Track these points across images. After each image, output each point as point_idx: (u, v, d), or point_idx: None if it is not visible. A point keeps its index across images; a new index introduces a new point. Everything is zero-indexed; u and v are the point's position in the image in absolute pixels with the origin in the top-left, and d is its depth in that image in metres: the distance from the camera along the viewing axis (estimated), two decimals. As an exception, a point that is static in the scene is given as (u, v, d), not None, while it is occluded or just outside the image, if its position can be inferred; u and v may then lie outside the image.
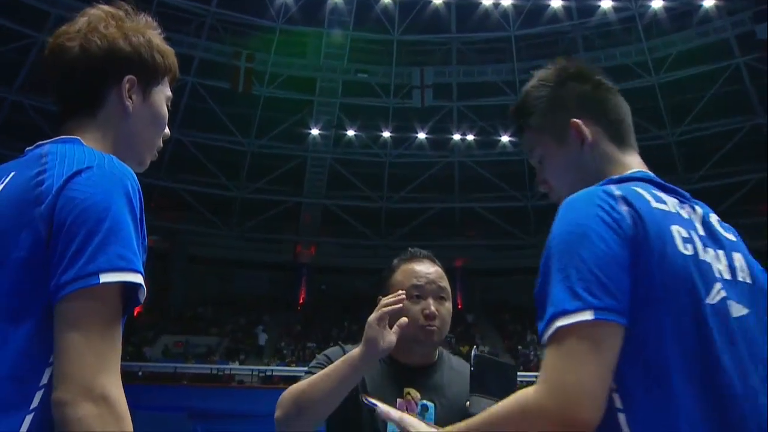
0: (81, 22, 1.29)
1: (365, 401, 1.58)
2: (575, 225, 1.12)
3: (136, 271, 1.09)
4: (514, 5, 24.92)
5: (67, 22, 1.34)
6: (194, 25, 24.73)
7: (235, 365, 23.69)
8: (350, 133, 28.31)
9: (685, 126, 25.61)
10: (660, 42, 24.71)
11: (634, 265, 1.08)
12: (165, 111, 1.36)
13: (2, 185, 1.17)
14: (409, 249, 2.04)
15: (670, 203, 1.19)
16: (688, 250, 1.13)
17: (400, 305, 1.75)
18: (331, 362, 1.82)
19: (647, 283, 1.08)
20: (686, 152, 26.12)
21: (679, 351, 1.08)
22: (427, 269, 1.96)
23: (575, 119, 1.32)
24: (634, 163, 1.31)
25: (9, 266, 1.08)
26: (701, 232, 1.20)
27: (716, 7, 23.02)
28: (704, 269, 1.14)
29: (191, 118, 25.14)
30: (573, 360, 1.03)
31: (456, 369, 1.97)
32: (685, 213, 1.21)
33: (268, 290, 29.97)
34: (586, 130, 1.31)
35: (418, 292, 1.90)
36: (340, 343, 2.03)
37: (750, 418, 1.08)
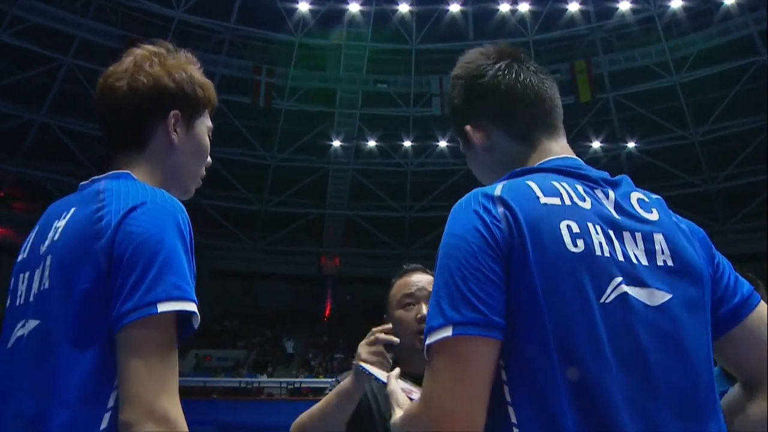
0: (127, 62, 1.37)
1: (361, 368, 1.68)
2: (451, 236, 1.13)
3: (191, 299, 1.17)
4: (531, 11, 24.85)
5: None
6: (214, 41, 25.07)
7: (264, 378, 23.80)
8: (371, 143, 28.40)
9: (708, 125, 25.24)
10: (680, 41, 24.42)
11: (509, 273, 1.07)
12: (207, 141, 1.45)
13: (65, 220, 1.25)
14: (403, 265, 2.15)
15: (567, 195, 1.14)
16: (578, 247, 1.08)
17: (395, 339, 1.82)
18: None
19: (528, 288, 1.06)
20: (711, 151, 25.72)
21: (566, 359, 1.04)
22: (417, 278, 2.06)
23: (467, 126, 1.30)
24: (547, 152, 1.26)
25: (74, 297, 1.16)
26: (616, 216, 1.15)
27: (737, 4, 22.70)
28: (599, 265, 1.09)
29: (213, 133, 25.31)
30: (438, 377, 1.05)
31: None
32: (587, 203, 1.15)
33: (294, 302, 30.08)
34: (477, 136, 1.29)
35: (410, 299, 2.00)
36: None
37: (628, 421, 1.03)
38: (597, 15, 24.88)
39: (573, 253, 1.08)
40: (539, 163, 1.24)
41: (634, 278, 1.11)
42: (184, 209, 1.25)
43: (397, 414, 1.28)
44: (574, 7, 24.43)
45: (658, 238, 1.17)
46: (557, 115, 1.32)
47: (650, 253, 1.15)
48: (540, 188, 1.14)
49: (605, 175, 1.23)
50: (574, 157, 1.27)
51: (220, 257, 28.66)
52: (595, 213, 1.14)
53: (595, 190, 1.19)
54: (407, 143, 28.36)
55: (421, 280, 2.05)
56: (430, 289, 1.92)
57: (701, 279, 1.18)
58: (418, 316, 1.96)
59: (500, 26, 25.20)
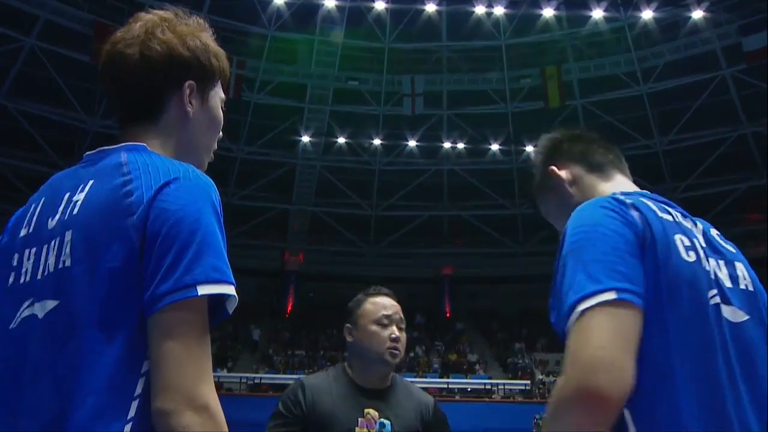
0: (136, 28, 1.27)
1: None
2: (588, 224, 1.19)
3: (230, 282, 1.10)
4: (506, 14, 25.07)
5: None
6: (184, 31, 24.69)
7: (224, 373, 23.56)
8: (340, 140, 28.33)
9: (672, 135, 25.82)
10: (648, 52, 24.94)
11: (643, 262, 1.15)
12: (221, 114, 1.36)
13: (84, 194, 1.15)
14: (372, 286, 2.39)
15: (674, 214, 1.27)
16: (690, 257, 1.20)
17: None
18: (291, 408, 2.14)
19: (652, 284, 1.14)
20: (674, 161, 26.33)
21: (681, 351, 1.13)
22: (391, 302, 2.31)
23: (552, 166, 1.49)
24: (623, 185, 1.42)
25: (101, 276, 1.07)
26: (702, 243, 1.27)
27: (704, 19, 23.27)
28: (705, 274, 1.21)
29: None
30: (594, 335, 1.06)
31: (408, 389, 2.32)
32: (689, 224, 1.29)
33: (256, 297, 29.82)
34: (563, 172, 1.48)
35: (387, 320, 2.25)
36: (302, 379, 2.30)
37: (735, 420, 1.14)
38: (570, 22, 25.23)
39: (688, 261, 1.20)
40: (631, 191, 1.35)
41: (723, 296, 1.23)
42: (215, 186, 1.17)
43: None
44: (548, 13, 24.72)
45: (740, 266, 1.31)
46: (625, 163, 1.52)
47: (733, 278, 1.28)
48: (653, 204, 1.26)
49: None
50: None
51: (182, 249, 28.26)
52: (693, 234, 1.28)
53: (686, 219, 1.31)
54: (376, 141, 28.36)
55: (395, 304, 2.31)
56: (401, 316, 2.26)
57: (766, 306, 1.33)
58: (392, 335, 2.22)
59: (474, 29, 25.38)
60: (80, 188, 1.16)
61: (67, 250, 1.11)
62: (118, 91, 1.27)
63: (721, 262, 1.28)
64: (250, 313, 28.08)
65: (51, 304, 1.10)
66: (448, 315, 29.39)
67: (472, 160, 28.64)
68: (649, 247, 1.16)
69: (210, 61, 1.31)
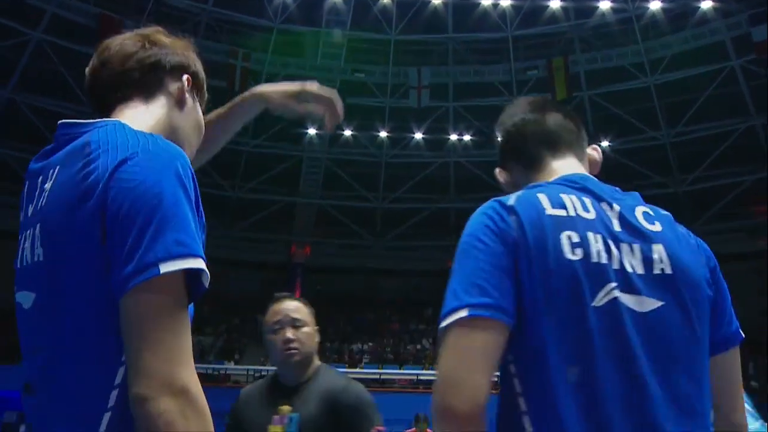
0: (132, 35, 1.30)
1: None
2: (466, 236, 1.22)
3: (197, 255, 1.05)
4: (512, 6, 24.92)
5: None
6: (190, 23, 24.66)
7: (231, 365, 23.67)
8: (347, 133, 28.29)
9: (680, 127, 25.65)
10: (656, 43, 24.75)
11: (518, 270, 1.17)
12: (203, 122, 1.38)
13: (51, 182, 1.12)
14: (275, 294, 2.51)
15: (572, 206, 1.23)
16: (576, 255, 1.17)
17: None
18: (229, 420, 2.28)
19: (530, 290, 1.16)
20: (681, 153, 26.15)
21: (561, 357, 1.14)
22: (285, 306, 2.41)
23: (497, 169, 1.52)
24: (553, 171, 1.39)
25: (68, 267, 1.05)
26: (616, 228, 1.24)
27: (713, 9, 23.07)
28: (595, 272, 1.18)
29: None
30: (450, 353, 1.12)
31: (324, 378, 2.38)
32: (591, 214, 1.24)
33: (263, 290, 29.89)
34: (503, 175, 1.50)
35: (278, 326, 2.37)
36: (241, 390, 2.47)
37: (620, 418, 1.12)
38: (577, 13, 25.05)
39: (570, 260, 1.17)
40: (549, 180, 1.36)
41: (628, 286, 1.20)
42: (185, 154, 1.11)
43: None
44: (555, 4, 24.55)
45: (658, 248, 1.25)
46: (566, 139, 1.44)
47: (648, 262, 1.23)
48: (549, 200, 1.23)
49: (614, 190, 1.33)
50: (581, 173, 1.37)
51: (189, 242, 28.29)
52: (598, 223, 1.24)
53: (601, 203, 1.28)
54: (383, 134, 28.31)
55: (288, 306, 2.40)
56: (293, 316, 2.33)
57: (699, 287, 1.27)
58: (282, 338, 2.32)
59: (480, 20, 25.25)
60: (50, 175, 1.14)
61: (38, 243, 1.10)
62: (115, 74, 1.25)
63: (636, 246, 1.23)
64: (257, 305, 28.13)
65: (32, 296, 1.11)
66: (454, 307, 29.42)
67: (479, 152, 28.55)
68: (523, 253, 1.17)
69: (201, 72, 1.37)
